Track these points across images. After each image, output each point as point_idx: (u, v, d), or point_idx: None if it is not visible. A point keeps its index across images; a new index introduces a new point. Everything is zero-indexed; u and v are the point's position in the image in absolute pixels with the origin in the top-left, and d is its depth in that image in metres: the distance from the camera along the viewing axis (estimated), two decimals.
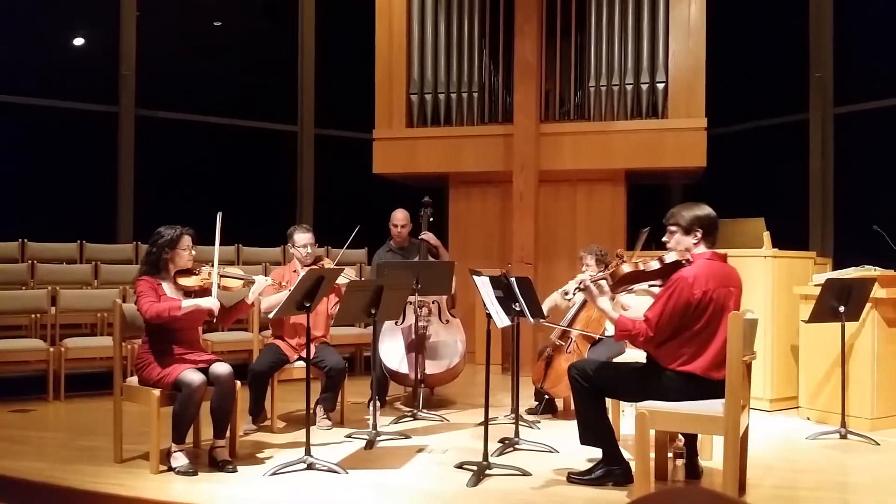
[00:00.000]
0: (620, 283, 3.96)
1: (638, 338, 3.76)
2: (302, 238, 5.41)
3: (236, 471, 4.18)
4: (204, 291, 4.42)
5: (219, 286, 4.38)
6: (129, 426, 4.51)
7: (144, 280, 4.34)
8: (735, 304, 3.78)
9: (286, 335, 5.32)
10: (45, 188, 9.27)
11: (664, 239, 3.98)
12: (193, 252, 4.47)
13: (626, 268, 3.90)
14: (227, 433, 4.33)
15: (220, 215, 4.47)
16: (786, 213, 8.66)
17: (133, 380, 4.51)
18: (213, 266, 4.42)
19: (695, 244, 3.85)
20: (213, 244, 4.43)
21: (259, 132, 10.76)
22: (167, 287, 4.39)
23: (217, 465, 4.22)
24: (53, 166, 9.37)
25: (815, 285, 5.52)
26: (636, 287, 4.14)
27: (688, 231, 3.86)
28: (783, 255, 6.18)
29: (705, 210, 3.93)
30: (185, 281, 4.40)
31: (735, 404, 3.52)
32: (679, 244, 3.88)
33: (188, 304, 4.24)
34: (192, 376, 4.14)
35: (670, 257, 3.84)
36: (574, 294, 4.77)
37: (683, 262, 3.81)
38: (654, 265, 3.85)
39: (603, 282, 3.97)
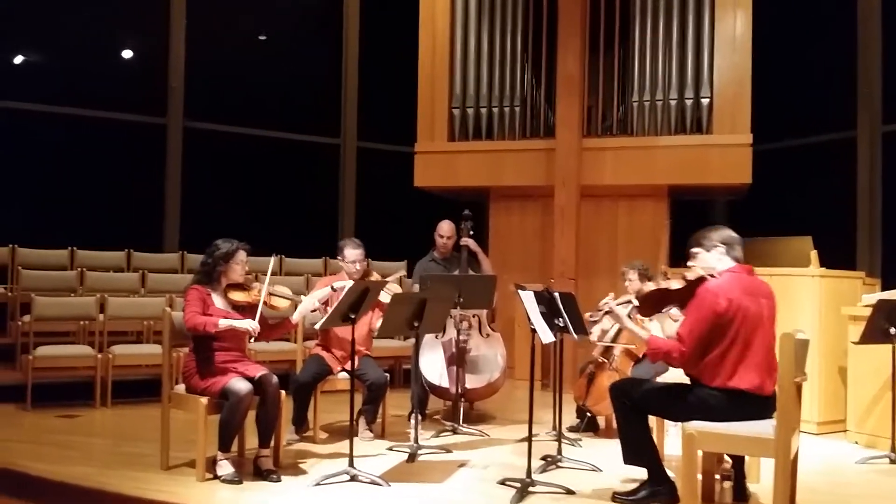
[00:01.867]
0: (647, 304, 3.98)
1: (672, 355, 3.74)
2: (352, 254, 5.45)
3: (280, 480, 4.22)
4: (251, 307, 4.46)
5: (265, 304, 4.43)
6: (175, 433, 4.57)
7: (195, 289, 4.42)
8: (768, 316, 3.76)
9: (333, 347, 5.34)
10: (94, 198, 9.47)
11: (689, 264, 3.99)
12: (247, 267, 4.54)
13: (651, 286, 3.91)
14: (272, 442, 4.37)
15: (274, 258, 4.59)
16: (832, 232, 8.50)
17: (180, 387, 4.58)
18: (263, 284, 4.48)
19: (718, 260, 3.87)
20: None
21: (302, 145, 10.89)
22: (217, 298, 4.46)
23: (261, 474, 4.26)
24: (103, 176, 9.56)
25: (865, 306, 5.41)
26: (665, 309, 4.13)
27: (709, 249, 3.89)
28: (831, 275, 6.06)
29: (725, 229, 3.98)
30: (235, 295, 4.47)
31: (787, 426, 3.46)
32: (702, 262, 3.89)
33: (225, 323, 4.30)
34: (240, 385, 4.19)
35: (693, 274, 3.84)
36: (601, 319, 4.77)
37: (707, 276, 3.80)
38: (679, 283, 3.86)
39: (626, 307, 3.98)
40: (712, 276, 3.80)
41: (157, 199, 9.90)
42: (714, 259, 3.87)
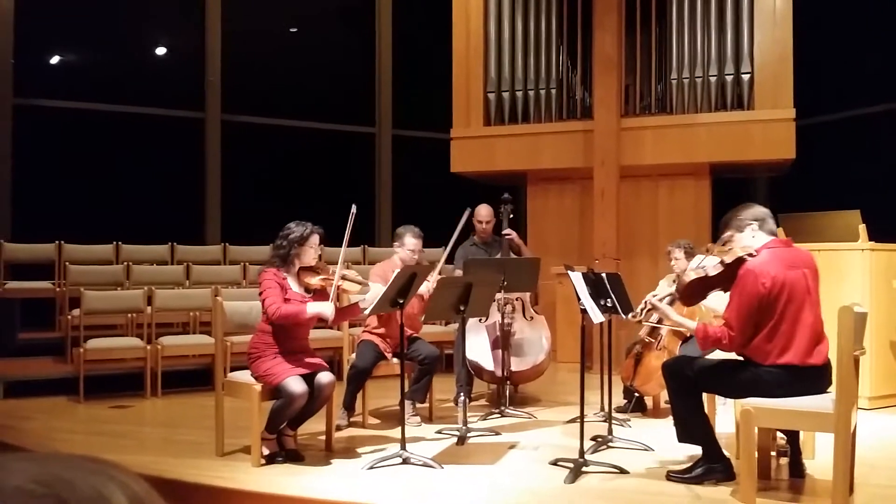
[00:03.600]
0: (688, 294, 3.95)
1: (722, 341, 3.71)
2: (412, 243, 5.46)
3: (304, 459, 4.32)
4: (324, 290, 4.48)
5: (339, 288, 4.46)
6: (226, 420, 4.61)
7: (270, 273, 4.41)
8: (813, 286, 3.71)
9: (387, 334, 5.33)
10: (137, 193, 9.62)
11: (727, 247, 3.92)
12: (320, 251, 4.56)
13: (691, 275, 3.87)
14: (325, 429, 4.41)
15: (354, 208, 4.54)
16: (879, 206, 8.33)
17: (232, 375, 4.63)
18: (337, 266, 4.48)
19: (753, 237, 3.81)
20: (341, 241, 4.53)
21: (338, 134, 10.93)
22: (292, 282, 4.48)
23: (282, 448, 4.36)
24: (144, 172, 9.70)
25: None
26: (710, 295, 4.08)
27: (742, 228, 3.84)
28: (881, 248, 5.94)
29: (753, 206, 3.94)
30: (309, 278, 4.48)
31: (846, 400, 3.40)
32: (739, 243, 3.84)
33: (312, 310, 4.33)
34: (295, 386, 4.21)
35: (730, 256, 3.79)
36: (642, 314, 4.74)
37: (746, 257, 3.74)
38: (718, 269, 3.80)
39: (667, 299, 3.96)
40: (751, 255, 3.75)
41: (198, 192, 10.02)
42: (748, 237, 3.83)
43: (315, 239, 4.51)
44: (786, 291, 3.62)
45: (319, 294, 4.51)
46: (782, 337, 3.63)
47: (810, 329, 3.63)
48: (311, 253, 4.50)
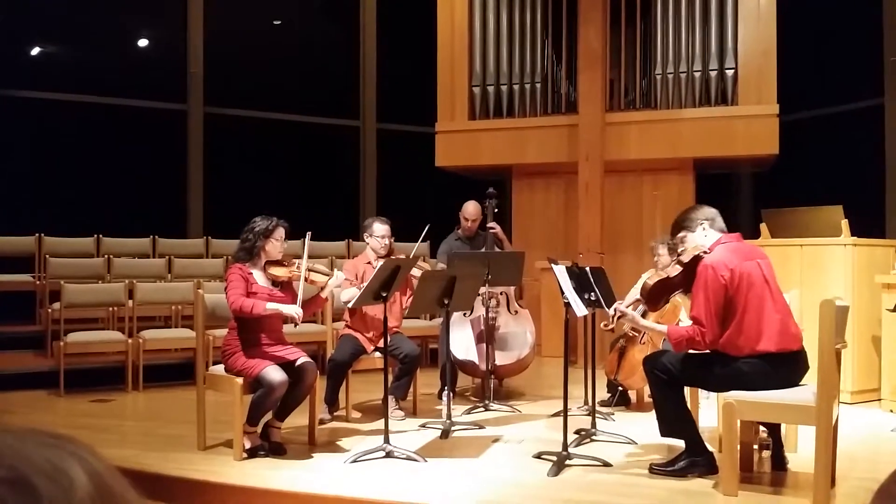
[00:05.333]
0: (652, 296, 4.03)
1: (695, 339, 3.73)
2: (380, 229, 5.45)
3: (286, 452, 4.30)
4: (290, 282, 4.49)
5: (306, 279, 4.45)
6: (208, 414, 4.57)
7: (237, 268, 4.43)
8: (770, 274, 3.78)
9: (361, 329, 5.34)
10: (118, 186, 9.52)
11: (679, 249, 4.02)
12: (285, 245, 4.55)
13: (652, 280, 4.01)
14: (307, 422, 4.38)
15: (309, 235, 4.61)
16: (860, 201, 8.39)
17: (214, 368, 4.60)
18: (302, 260, 4.49)
19: (705, 236, 3.90)
20: (300, 246, 4.54)
21: (322, 128, 10.88)
22: (258, 275, 4.47)
23: (267, 440, 4.34)
24: (126, 164, 9.61)
25: None
26: (672, 297, 4.16)
27: (693, 228, 3.92)
28: (863, 244, 5.98)
29: (702, 207, 4.05)
30: (275, 271, 4.48)
31: (828, 393, 3.42)
32: (691, 243, 3.93)
33: (272, 307, 4.29)
34: (274, 375, 4.18)
35: (687, 256, 3.89)
36: (614, 322, 4.77)
37: (701, 254, 3.82)
38: (677, 269, 3.93)
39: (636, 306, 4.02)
40: (706, 252, 3.82)
41: (181, 185, 9.94)
42: (700, 236, 3.92)
43: (280, 232, 4.51)
44: (745, 282, 3.69)
45: (286, 287, 4.51)
46: (751, 327, 3.68)
47: (776, 316, 3.68)
48: (276, 246, 4.50)
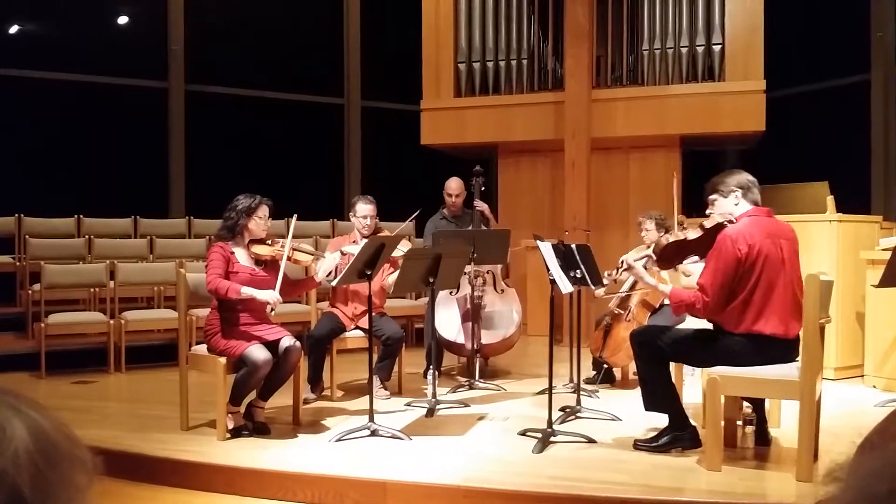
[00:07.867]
0: (665, 256, 3.91)
1: (695, 306, 3.67)
2: (364, 209, 5.41)
3: (270, 432, 4.28)
4: (274, 261, 4.43)
5: (289, 258, 4.40)
6: (191, 395, 4.54)
7: (218, 247, 4.37)
8: (790, 258, 3.68)
9: (342, 302, 5.31)
10: (99, 165, 9.38)
11: (707, 212, 3.92)
12: (269, 223, 4.49)
13: (669, 239, 3.85)
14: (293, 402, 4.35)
15: (295, 217, 4.56)
16: (846, 178, 8.39)
17: (197, 349, 4.55)
18: (286, 239, 4.44)
19: (735, 205, 3.78)
20: (284, 227, 4.48)
21: (306, 105, 10.75)
22: (240, 254, 4.41)
23: (251, 420, 4.32)
24: (107, 143, 9.47)
25: (884, 249, 5.34)
26: (687, 261, 4.07)
27: (727, 194, 3.80)
28: (848, 220, 5.98)
29: (741, 172, 3.89)
30: (258, 249, 4.43)
31: (812, 368, 3.42)
32: (720, 209, 3.82)
33: (247, 292, 4.24)
34: (258, 354, 4.14)
35: (711, 222, 3.78)
36: (619, 273, 4.72)
37: (726, 223, 3.72)
38: (697, 233, 3.80)
39: (643, 261, 3.95)
40: (731, 221, 3.73)
41: (162, 164, 9.82)
42: (731, 204, 3.79)
43: (264, 210, 4.45)
44: (762, 260, 3.59)
45: (270, 266, 4.46)
46: (755, 306, 3.61)
47: (784, 301, 3.59)
48: (260, 224, 4.44)
